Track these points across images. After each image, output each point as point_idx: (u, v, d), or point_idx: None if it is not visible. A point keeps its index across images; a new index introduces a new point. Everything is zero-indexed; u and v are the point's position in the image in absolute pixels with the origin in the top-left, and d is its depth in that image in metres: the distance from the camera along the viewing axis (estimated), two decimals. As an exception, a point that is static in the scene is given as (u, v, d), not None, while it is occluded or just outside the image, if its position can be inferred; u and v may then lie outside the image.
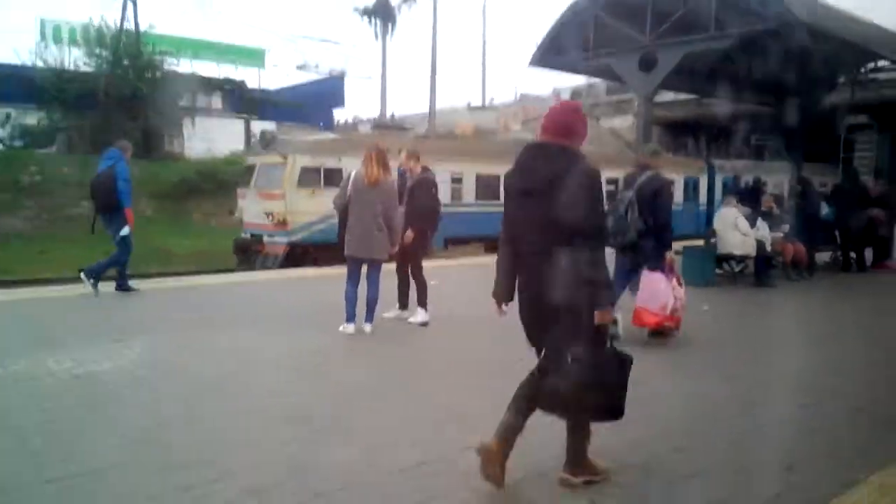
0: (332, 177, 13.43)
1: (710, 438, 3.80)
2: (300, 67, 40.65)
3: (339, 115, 47.38)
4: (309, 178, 13.90)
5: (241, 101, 32.09)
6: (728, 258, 9.88)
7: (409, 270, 6.95)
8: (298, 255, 13.42)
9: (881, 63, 11.75)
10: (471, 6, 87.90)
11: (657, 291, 5.78)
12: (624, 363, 3.03)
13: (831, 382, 4.95)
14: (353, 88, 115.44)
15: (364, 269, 6.29)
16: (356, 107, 63.23)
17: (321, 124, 35.62)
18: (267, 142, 14.76)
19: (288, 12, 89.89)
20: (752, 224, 9.95)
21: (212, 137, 29.46)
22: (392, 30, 35.42)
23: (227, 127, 30.72)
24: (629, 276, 5.87)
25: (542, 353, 3.07)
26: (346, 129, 43.70)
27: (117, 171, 7.68)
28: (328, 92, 37.88)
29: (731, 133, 30.25)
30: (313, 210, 13.58)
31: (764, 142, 32.20)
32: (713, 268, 9.80)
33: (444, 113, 39.90)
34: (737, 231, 9.59)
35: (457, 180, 16.07)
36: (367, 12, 35.06)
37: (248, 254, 14.12)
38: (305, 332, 6.27)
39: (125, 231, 7.87)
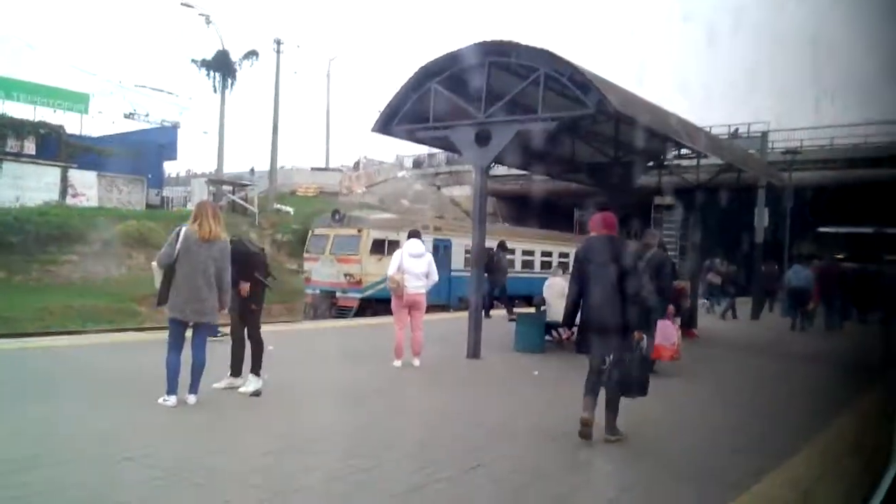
0: (392, 247, 16.28)
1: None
2: (129, 116, 38.15)
3: (171, 167, 44.83)
4: (377, 247, 17.89)
5: (59, 147, 29.22)
6: (556, 325, 10.51)
7: (246, 331, 6.58)
8: (366, 307, 16.78)
9: (683, 150, 13.50)
10: (315, 67, 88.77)
11: (669, 334, 8.33)
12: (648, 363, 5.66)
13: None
14: (188, 142, 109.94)
15: (189, 333, 5.86)
16: (190, 160, 60.21)
17: (149, 176, 33.36)
18: (339, 216, 18.75)
19: (118, 58, 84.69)
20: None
21: (22, 185, 26.42)
22: (232, 84, 34.60)
23: (41, 175, 27.73)
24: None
25: (599, 357, 5.32)
26: (179, 183, 41.34)
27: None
28: (159, 143, 35.76)
29: (558, 207, 32.96)
30: (379, 272, 16.13)
31: (585, 217, 35.36)
32: (542, 335, 10.36)
33: (286, 173, 39.29)
34: (563, 299, 10.24)
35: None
36: (206, 64, 34.01)
37: (326, 307, 17.78)
38: (119, 405, 5.63)
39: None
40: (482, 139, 9.32)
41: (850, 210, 29.74)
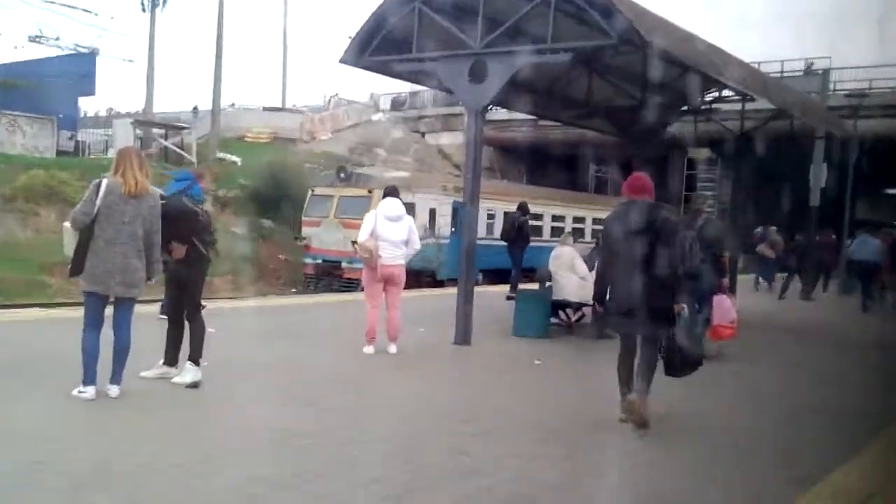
0: (408, 210, 18.17)
1: None
2: (34, 39, 37.30)
3: (89, 105, 44.19)
4: None
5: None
6: (564, 305, 10.61)
7: (184, 311, 6.56)
8: None
9: (725, 92, 13.45)
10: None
11: (727, 310, 9.08)
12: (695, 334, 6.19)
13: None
14: (109, 73, 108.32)
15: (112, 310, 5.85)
16: (112, 97, 59.14)
17: (60, 116, 32.85)
18: (346, 175, 19.90)
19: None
20: (592, 266, 10.80)
21: None
22: (164, 1, 33.90)
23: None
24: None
25: (632, 337, 6.02)
26: (98, 125, 40.79)
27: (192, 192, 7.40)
28: (73, 74, 35.11)
29: (570, 161, 32.96)
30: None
31: (603, 174, 35.48)
32: (547, 317, 10.46)
33: (233, 113, 38.85)
34: (573, 274, 10.34)
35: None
36: (133, -25, 33.25)
37: (330, 278, 19.02)
38: (25, 399, 5.63)
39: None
40: (477, 75, 9.23)
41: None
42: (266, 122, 39.01)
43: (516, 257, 15.33)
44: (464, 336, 9.24)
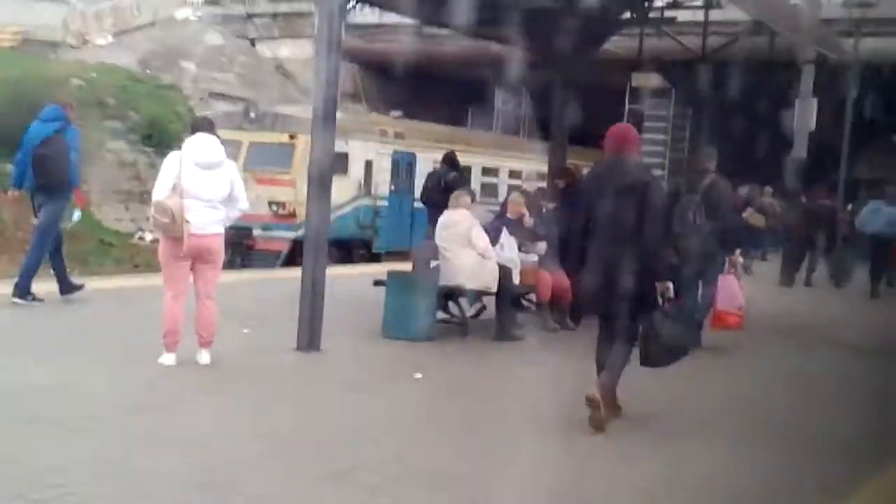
0: (339, 162, 18.08)
1: None
2: None
3: None
4: None
5: None
6: (457, 293, 10.80)
7: None
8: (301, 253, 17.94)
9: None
10: None
11: (734, 294, 10.52)
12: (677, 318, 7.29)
13: None
14: None
15: None
16: None
17: None
18: (257, 115, 21.50)
19: None
20: (495, 240, 11.03)
21: None
22: None
23: None
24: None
25: (608, 320, 7.25)
26: None
27: (68, 138, 10.41)
28: None
29: (470, 87, 33.22)
30: None
31: (513, 106, 35.94)
32: (433, 310, 10.61)
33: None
34: (470, 249, 10.52)
35: None
36: None
37: (236, 249, 19.13)
38: None
39: (76, 216, 11.59)
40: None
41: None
42: (12, 17, 37.32)
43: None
44: (309, 339, 9.26)
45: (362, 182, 22.98)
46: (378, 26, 32.32)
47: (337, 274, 15.04)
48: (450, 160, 16.44)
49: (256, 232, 20.34)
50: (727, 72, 15.96)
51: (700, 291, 10.50)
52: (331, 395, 8.05)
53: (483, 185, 25.48)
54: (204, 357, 8.38)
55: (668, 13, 15.07)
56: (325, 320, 9.39)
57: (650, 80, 29.05)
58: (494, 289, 10.67)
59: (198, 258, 8.29)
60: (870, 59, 23.69)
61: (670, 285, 7.06)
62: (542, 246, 11.80)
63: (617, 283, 6.88)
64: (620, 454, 6.62)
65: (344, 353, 9.47)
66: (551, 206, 12.90)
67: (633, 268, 6.81)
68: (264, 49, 39.04)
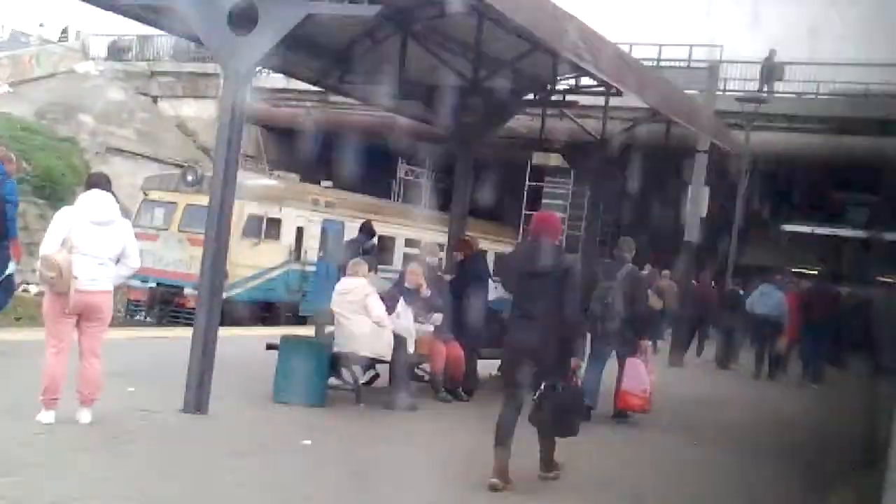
0: (272, 227, 23.11)
1: None
2: None
3: None
4: (253, 227, 22.67)
5: None
6: (350, 360, 10.75)
7: None
8: (231, 313, 18.35)
9: (585, 80, 14.23)
10: None
11: (641, 377, 11.08)
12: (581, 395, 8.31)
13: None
14: None
15: None
16: None
17: None
18: (195, 178, 22.37)
19: None
20: (392, 308, 11.06)
21: None
22: None
23: None
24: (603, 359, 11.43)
25: (522, 389, 7.73)
26: None
27: (6, 191, 10.35)
28: None
29: (371, 156, 33.41)
30: (253, 263, 22.45)
31: (415, 177, 36.25)
32: (325, 376, 10.57)
33: None
34: (366, 316, 10.53)
35: None
36: None
37: (166, 307, 21.97)
38: None
39: (11, 269, 11.23)
40: (243, 20, 9.25)
41: (836, 199, 33.10)
42: None
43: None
44: (197, 401, 9.11)
45: (293, 247, 24.08)
46: (283, 90, 32.45)
47: (235, 335, 14.96)
48: (367, 229, 17.11)
49: (188, 290, 20.81)
50: (625, 155, 16.40)
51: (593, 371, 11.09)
52: (213, 459, 7.93)
53: (405, 256, 26.36)
54: (85, 416, 8.16)
55: (570, 97, 15.42)
56: (216, 382, 9.27)
57: (550, 159, 29.69)
58: (388, 357, 10.69)
59: (83, 315, 8.13)
60: (759, 151, 24.59)
61: (582, 364, 8.11)
62: (437, 317, 11.87)
63: (535, 355, 7.57)
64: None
65: (232, 417, 9.34)
66: (448, 277, 12.97)
67: (555, 340, 7.59)
68: (167, 107, 38.82)
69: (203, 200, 20.27)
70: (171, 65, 39.59)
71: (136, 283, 21.52)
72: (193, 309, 19.86)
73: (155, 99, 39.20)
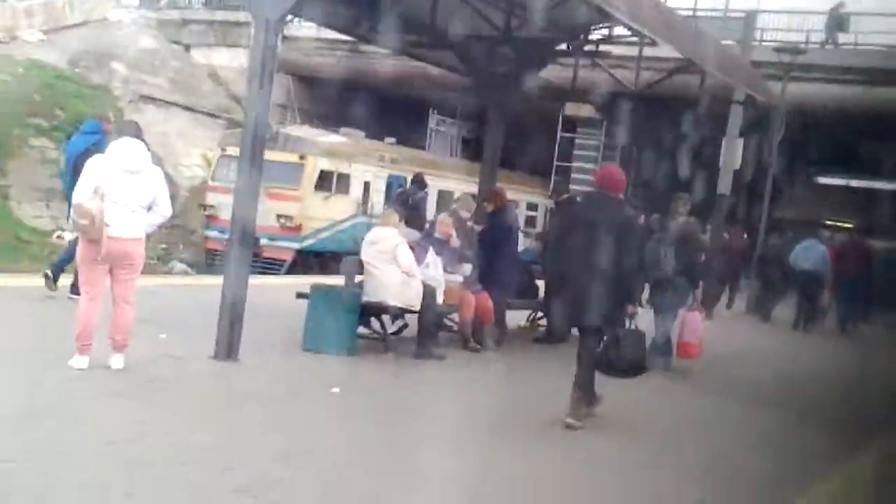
0: (342, 182, 25.04)
1: None
2: None
3: None
4: (324, 181, 24.63)
5: None
6: (380, 310, 10.81)
7: None
8: (302, 262, 22.22)
9: (618, 30, 14.11)
10: None
11: (696, 327, 12.14)
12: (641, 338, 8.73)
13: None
14: None
15: None
16: None
17: None
18: (271, 135, 22.28)
19: None
20: (421, 258, 11.08)
21: None
22: None
23: None
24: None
25: (587, 331, 8.62)
26: None
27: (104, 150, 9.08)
28: None
29: (404, 106, 33.32)
30: (324, 216, 24.24)
31: (444, 128, 36.16)
32: (354, 325, 10.64)
33: None
34: (395, 266, 10.56)
35: None
36: None
37: None
38: None
39: None
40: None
41: (871, 154, 32.72)
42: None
43: None
44: (228, 349, 9.20)
45: (360, 201, 25.68)
46: (316, 40, 32.31)
47: (271, 284, 15.09)
48: (419, 181, 17.42)
49: (263, 241, 22.05)
50: (658, 106, 16.27)
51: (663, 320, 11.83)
52: (243, 405, 8.01)
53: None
54: (117, 361, 8.26)
55: (603, 47, 15.28)
56: (246, 331, 9.34)
57: (582, 109, 29.49)
58: (417, 307, 10.71)
59: (116, 262, 8.19)
60: (795, 102, 24.27)
61: (640, 309, 8.72)
62: (467, 267, 11.90)
63: (596, 301, 8.15)
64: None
65: (261, 365, 9.42)
66: (479, 228, 12.96)
67: (611, 290, 8.14)
68: (199, 56, 38.69)
69: (278, 157, 22.48)
70: (204, 13, 39.45)
71: (213, 233, 23.68)
72: (269, 258, 22.95)
73: (187, 47, 39.05)
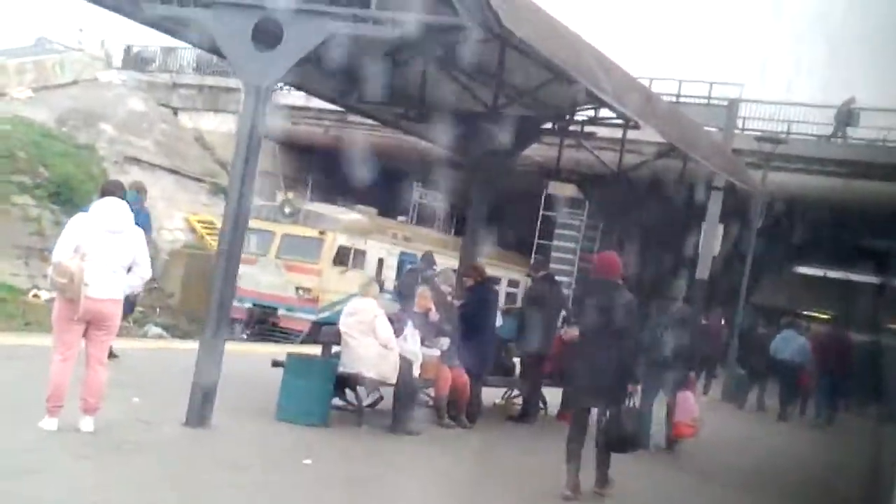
0: (358, 258, 25.88)
1: None
2: None
3: None
4: (342, 256, 25.44)
5: None
6: (355, 381, 10.72)
7: None
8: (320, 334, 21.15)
9: (604, 112, 14.25)
10: None
11: (690, 407, 12.55)
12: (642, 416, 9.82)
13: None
14: None
15: None
16: None
17: None
18: (292, 210, 25.46)
19: None
20: (400, 331, 11.04)
21: None
22: None
23: None
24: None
25: (588, 413, 9.08)
26: None
27: (140, 222, 8.94)
28: None
29: (386, 177, 33.45)
30: (341, 289, 23.72)
31: (427, 200, 36.28)
32: (328, 396, 10.54)
33: None
34: (373, 338, 10.51)
35: None
36: None
37: (261, 325, 24.64)
38: None
39: None
40: (267, 37, 9.29)
41: (850, 244, 32.95)
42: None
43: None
44: (199, 415, 9.10)
45: (374, 277, 25.26)
46: (303, 108, 32.55)
47: (245, 351, 14.98)
48: (429, 259, 18.00)
49: (281, 312, 24.29)
50: (640, 189, 16.39)
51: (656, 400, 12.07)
52: (212, 473, 7.91)
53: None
54: (87, 424, 8.15)
55: (588, 128, 15.43)
56: (220, 397, 9.25)
57: (566, 189, 29.61)
58: (393, 380, 10.63)
59: (92, 322, 8.13)
60: (776, 191, 24.49)
61: (639, 388, 9.05)
62: (444, 341, 11.84)
63: (600, 381, 8.66)
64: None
65: (233, 432, 9.32)
66: (457, 302, 12.93)
67: (614, 370, 8.69)
68: (186, 119, 38.88)
69: (299, 231, 25.32)
70: (194, 77, 39.69)
71: (234, 303, 22.79)
72: (286, 328, 24.32)
73: (175, 111, 39.27)
